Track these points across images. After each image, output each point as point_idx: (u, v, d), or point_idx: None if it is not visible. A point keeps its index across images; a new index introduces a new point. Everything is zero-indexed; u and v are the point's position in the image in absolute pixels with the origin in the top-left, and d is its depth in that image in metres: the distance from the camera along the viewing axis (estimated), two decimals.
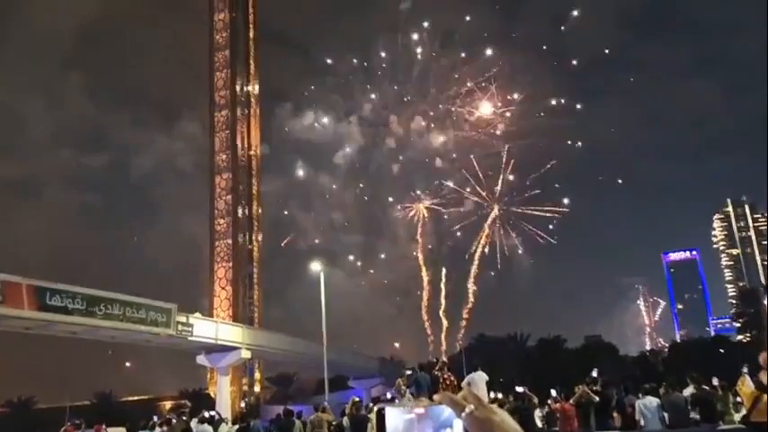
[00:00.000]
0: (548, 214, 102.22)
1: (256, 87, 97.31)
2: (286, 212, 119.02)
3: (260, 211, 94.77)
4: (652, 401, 16.32)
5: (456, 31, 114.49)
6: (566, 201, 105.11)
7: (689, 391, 17.71)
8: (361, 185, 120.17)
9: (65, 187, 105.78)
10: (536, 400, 18.56)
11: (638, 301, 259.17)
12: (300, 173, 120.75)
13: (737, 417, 16.24)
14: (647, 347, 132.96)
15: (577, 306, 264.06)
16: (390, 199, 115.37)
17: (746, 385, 15.75)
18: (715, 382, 18.99)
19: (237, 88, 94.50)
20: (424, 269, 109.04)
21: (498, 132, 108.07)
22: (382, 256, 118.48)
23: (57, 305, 41.70)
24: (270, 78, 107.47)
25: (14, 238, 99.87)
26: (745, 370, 16.30)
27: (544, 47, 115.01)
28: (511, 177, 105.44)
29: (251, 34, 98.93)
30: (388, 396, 25.31)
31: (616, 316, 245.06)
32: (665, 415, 16.07)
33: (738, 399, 16.62)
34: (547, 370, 66.35)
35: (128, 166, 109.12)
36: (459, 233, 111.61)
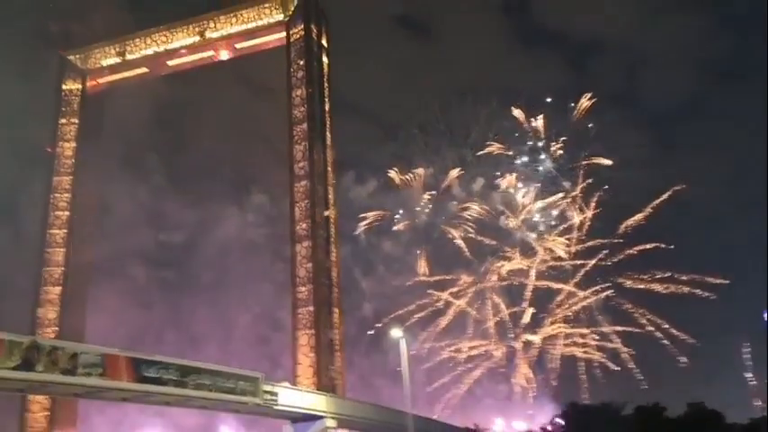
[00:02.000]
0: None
1: (331, 156, 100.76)
2: (361, 282, 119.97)
3: (339, 277, 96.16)
4: None
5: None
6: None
7: None
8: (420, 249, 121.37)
9: (144, 264, 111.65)
10: None
11: (746, 363, 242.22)
12: (365, 238, 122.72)
13: None
14: (757, 414, 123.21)
15: (671, 370, 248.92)
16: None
17: None
18: None
19: (315, 157, 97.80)
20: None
21: None
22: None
23: (152, 376, 43.32)
24: (344, 147, 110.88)
25: (101, 315, 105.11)
26: None
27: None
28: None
29: (326, 107, 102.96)
30: None
31: (721, 380, 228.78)
32: None
33: None
34: None
35: (202, 240, 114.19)
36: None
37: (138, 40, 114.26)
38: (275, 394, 55.02)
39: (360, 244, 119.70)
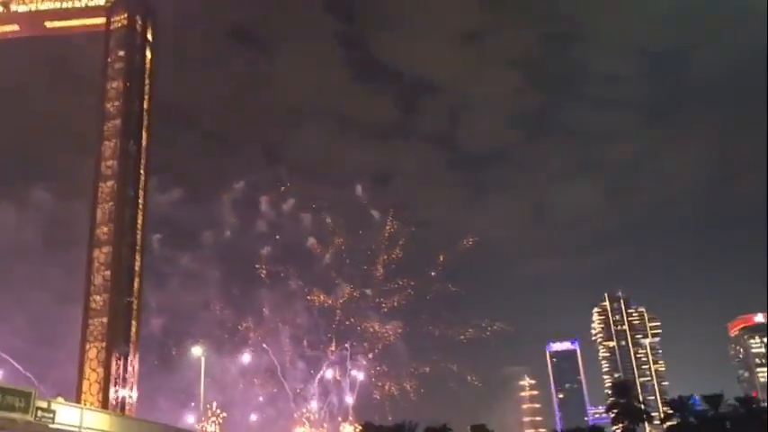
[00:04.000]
0: None
1: (145, 158, 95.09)
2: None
3: (141, 288, 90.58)
4: None
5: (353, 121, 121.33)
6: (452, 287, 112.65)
7: None
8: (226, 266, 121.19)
9: None
10: None
11: (522, 391, 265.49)
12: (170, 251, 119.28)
13: None
14: None
15: (463, 394, 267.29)
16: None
17: None
18: None
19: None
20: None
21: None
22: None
23: None
24: (161, 151, 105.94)
25: None
26: None
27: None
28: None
29: (145, 105, 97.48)
30: None
31: (499, 402, 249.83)
32: None
33: None
34: None
35: None
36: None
37: None
38: (52, 411, 50.30)
39: (158, 255, 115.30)
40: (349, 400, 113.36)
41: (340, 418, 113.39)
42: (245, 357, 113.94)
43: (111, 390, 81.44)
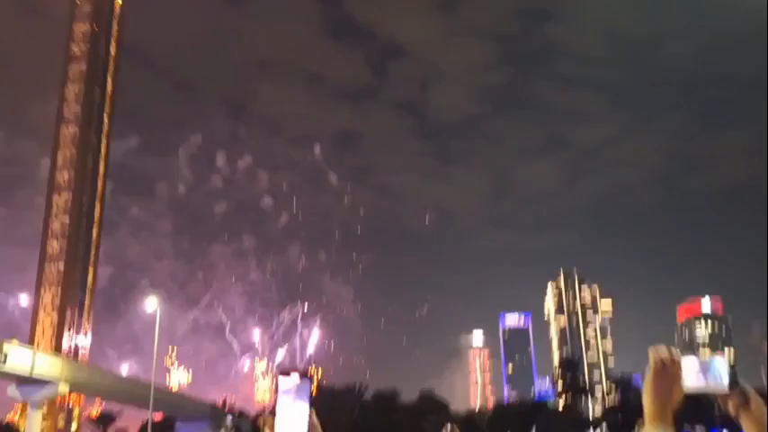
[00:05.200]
0: None
1: (110, 105, 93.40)
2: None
3: (99, 236, 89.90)
4: None
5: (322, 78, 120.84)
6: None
7: None
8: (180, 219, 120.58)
9: None
10: None
11: (473, 361, 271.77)
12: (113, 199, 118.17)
13: None
14: (477, 406, 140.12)
15: (416, 361, 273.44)
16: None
17: None
18: None
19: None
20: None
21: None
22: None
23: None
24: (127, 98, 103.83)
25: None
26: None
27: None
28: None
29: (112, 50, 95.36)
30: None
31: (450, 371, 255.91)
32: None
33: None
34: (381, 425, 68.31)
35: None
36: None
37: None
38: (3, 354, 50.32)
39: (109, 202, 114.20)
40: (299, 361, 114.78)
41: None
42: (196, 312, 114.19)
43: (66, 336, 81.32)
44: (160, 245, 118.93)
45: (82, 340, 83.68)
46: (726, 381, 2.24)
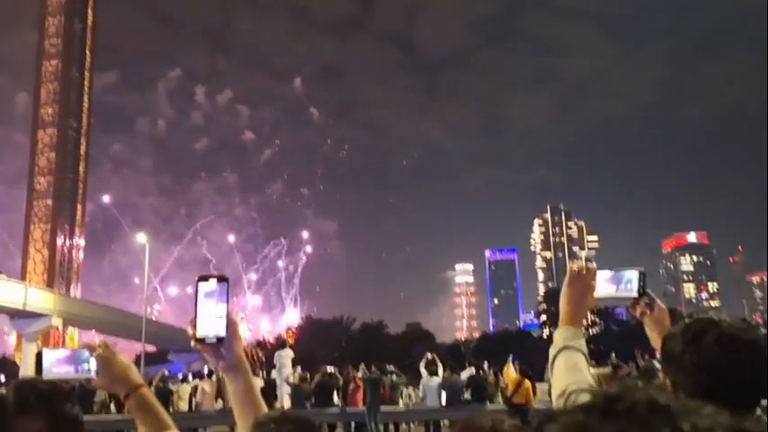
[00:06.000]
0: None
1: (92, 38, 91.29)
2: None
3: (86, 172, 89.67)
4: (434, 381, 18.91)
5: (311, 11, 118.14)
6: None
7: (466, 374, 20.64)
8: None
9: None
10: (340, 378, 20.61)
11: (459, 295, 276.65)
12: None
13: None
14: (462, 336, 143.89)
15: (403, 295, 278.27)
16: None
17: (510, 372, 18.84)
18: (485, 366, 22.12)
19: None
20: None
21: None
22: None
23: None
24: (106, 31, 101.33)
25: None
26: (509, 358, 19.46)
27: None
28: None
29: None
30: (206, 371, 26.32)
31: (437, 306, 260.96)
32: (444, 393, 18.71)
33: (504, 383, 19.68)
34: (368, 353, 70.10)
35: None
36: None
37: None
38: None
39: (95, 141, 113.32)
40: (287, 295, 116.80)
41: (278, 309, 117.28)
42: (180, 248, 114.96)
43: (57, 271, 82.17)
44: (143, 181, 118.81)
45: (74, 275, 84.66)
46: (635, 289, 2.50)
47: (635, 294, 2.50)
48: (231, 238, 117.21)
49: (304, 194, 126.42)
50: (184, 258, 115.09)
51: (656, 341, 2.37)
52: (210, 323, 2.01)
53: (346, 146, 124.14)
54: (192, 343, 2.02)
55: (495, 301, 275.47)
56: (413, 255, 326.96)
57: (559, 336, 2.43)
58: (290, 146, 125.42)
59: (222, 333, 1.99)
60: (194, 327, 2.01)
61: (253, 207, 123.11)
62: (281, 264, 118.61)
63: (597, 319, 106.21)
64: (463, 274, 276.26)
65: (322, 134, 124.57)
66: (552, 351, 2.39)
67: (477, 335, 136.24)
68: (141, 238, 48.92)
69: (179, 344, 78.65)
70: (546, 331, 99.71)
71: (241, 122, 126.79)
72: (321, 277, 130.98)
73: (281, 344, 28.76)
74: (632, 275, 2.52)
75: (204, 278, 2.04)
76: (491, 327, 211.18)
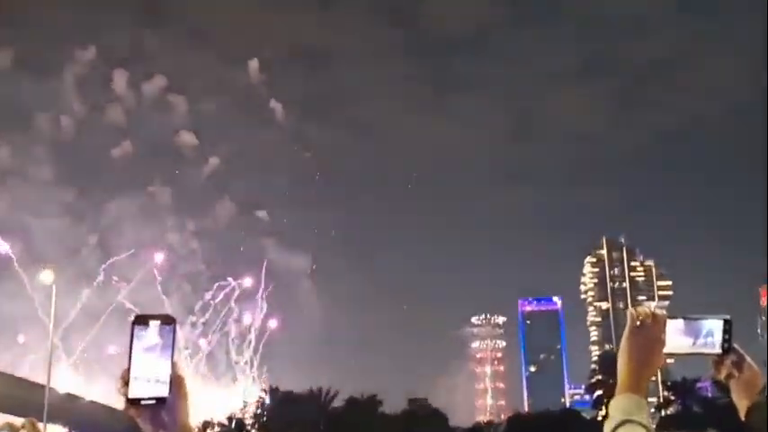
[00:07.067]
0: None
1: None
2: None
3: None
4: None
5: None
6: None
7: None
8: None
9: None
10: None
11: (481, 361, 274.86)
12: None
13: None
14: (485, 418, 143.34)
15: (401, 363, 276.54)
16: None
17: None
18: None
19: None
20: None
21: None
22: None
23: None
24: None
25: None
26: None
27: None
28: None
29: None
30: None
31: (449, 376, 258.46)
32: None
33: None
34: None
35: None
36: None
37: None
38: None
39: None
40: (243, 356, 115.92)
41: (233, 377, 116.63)
42: (89, 290, 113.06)
43: None
44: (38, 197, 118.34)
45: None
46: (718, 344, 2.58)
47: (718, 350, 2.59)
48: (159, 279, 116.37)
49: (262, 219, 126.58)
50: (96, 305, 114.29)
51: (744, 412, 2.48)
52: (149, 379, 1.95)
53: (324, 152, 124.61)
54: (123, 405, 2.02)
55: (532, 368, 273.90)
56: (415, 304, 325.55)
57: (617, 406, 2.41)
58: (244, 153, 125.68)
59: (165, 392, 1.97)
60: (126, 384, 1.99)
61: (191, 235, 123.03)
62: (231, 314, 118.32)
63: (672, 396, 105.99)
64: (485, 330, 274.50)
65: (288, 137, 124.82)
66: (607, 428, 2.34)
67: (505, 416, 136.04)
68: (46, 276, 48.92)
69: (100, 427, 78.35)
70: (603, 412, 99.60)
71: (176, 120, 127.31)
72: (288, 334, 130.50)
73: (236, 427, 28.89)
74: (714, 326, 2.60)
75: (142, 320, 2.02)
76: (525, 406, 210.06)
